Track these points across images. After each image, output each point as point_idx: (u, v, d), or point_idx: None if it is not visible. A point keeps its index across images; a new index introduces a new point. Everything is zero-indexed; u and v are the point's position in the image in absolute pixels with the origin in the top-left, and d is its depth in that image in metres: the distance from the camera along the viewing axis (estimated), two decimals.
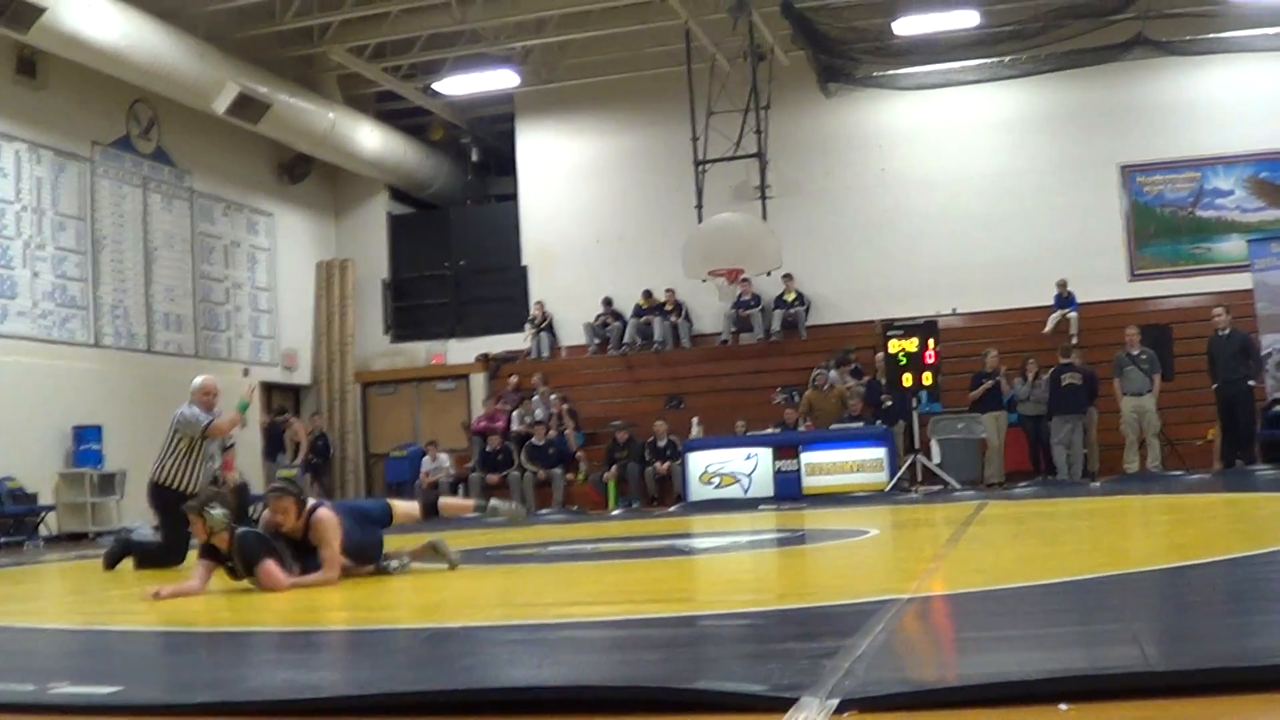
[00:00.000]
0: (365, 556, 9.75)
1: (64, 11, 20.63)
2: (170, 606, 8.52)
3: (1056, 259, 26.49)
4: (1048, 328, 26.08)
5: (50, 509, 21.80)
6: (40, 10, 20.17)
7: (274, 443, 27.15)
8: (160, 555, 12.88)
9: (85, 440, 22.54)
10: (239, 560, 9.07)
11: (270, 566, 8.97)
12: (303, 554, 9.34)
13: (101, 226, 24.04)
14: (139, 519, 23.05)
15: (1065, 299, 26.37)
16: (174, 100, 24.57)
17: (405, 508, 10.75)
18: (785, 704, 3.88)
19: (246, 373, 27.75)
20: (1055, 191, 27.30)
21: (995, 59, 26.57)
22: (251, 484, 26.38)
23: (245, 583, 9.13)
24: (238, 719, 4.42)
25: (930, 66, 27.44)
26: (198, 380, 13.81)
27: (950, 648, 5.45)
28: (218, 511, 9.13)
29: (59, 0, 20.46)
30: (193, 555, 9.80)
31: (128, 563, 12.91)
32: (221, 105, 24.28)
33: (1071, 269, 26.39)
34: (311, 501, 9.62)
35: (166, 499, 12.66)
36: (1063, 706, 3.76)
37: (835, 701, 3.86)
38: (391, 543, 10.20)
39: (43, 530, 21.43)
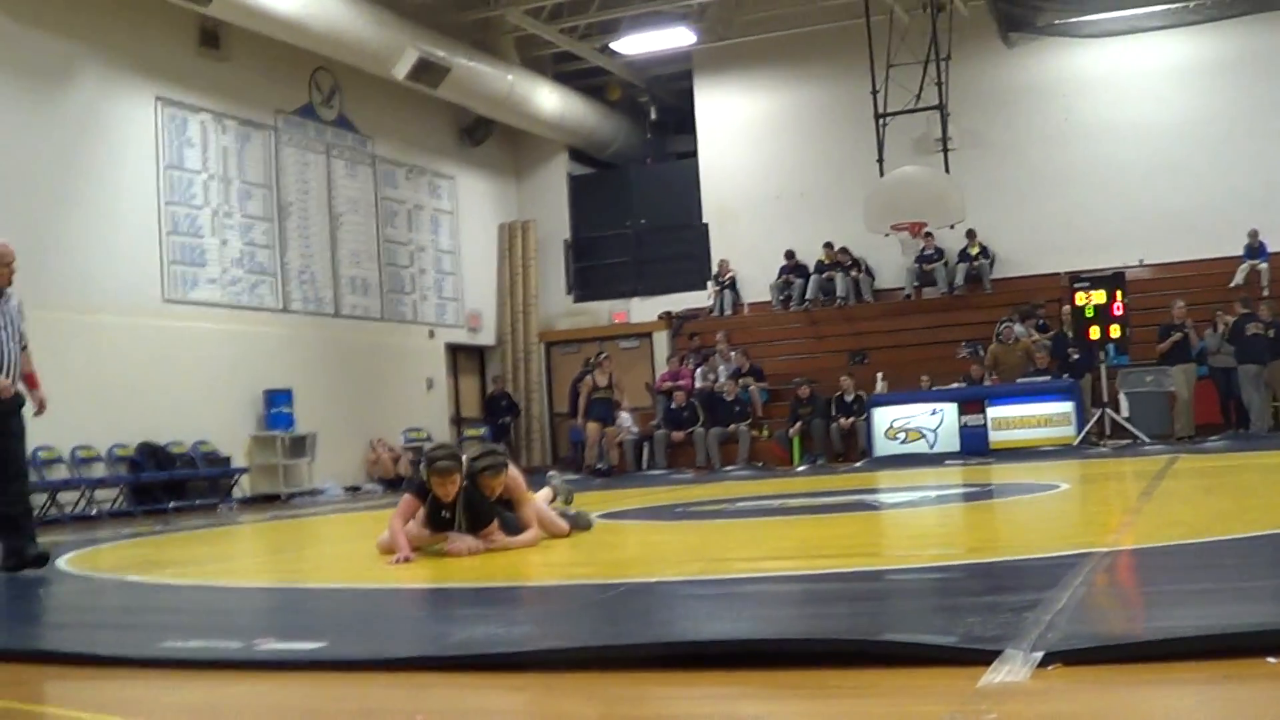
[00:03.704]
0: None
1: None
2: (366, 564, 8.65)
3: (1246, 208, 25.76)
4: (1237, 279, 25.40)
5: (243, 471, 22.24)
6: None
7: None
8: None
9: (276, 404, 22.96)
10: (466, 514, 8.67)
11: (495, 528, 8.74)
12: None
13: (287, 193, 24.44)
14: (330, 480, 23.55)
15: (1256, 249, 25.64)
16: (355, 67, 24.85)
17: None
18: (988, 656, 3.88)
19: (432, 335, 28.10)
20: (1244, 139, 26.53)
21: (1180, 3, 26.07)
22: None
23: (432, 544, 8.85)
24: (441, 674, 4.51)
25: (1114, 13, 26.98)
26: None
27: (1151, 601, 5.39)
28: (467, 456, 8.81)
29: None
30: None
31: (327, 524, 12.72)
32: (401, 71, 24.53)
33: (1262, 219, 25.65)
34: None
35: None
36: (1271, 660, 3.71)
37: (1039, 655, 3.85)
38: None
39: (236, 492, 21.88)
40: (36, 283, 18.70)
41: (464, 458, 8.83)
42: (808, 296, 28.51)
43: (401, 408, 26.48)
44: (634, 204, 31.68)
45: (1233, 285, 25.05)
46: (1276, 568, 6.08)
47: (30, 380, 9.70)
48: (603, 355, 26.50)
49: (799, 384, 25.25)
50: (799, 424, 24.74)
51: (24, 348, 9.63)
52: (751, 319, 29.40)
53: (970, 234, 27.28)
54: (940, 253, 27.73)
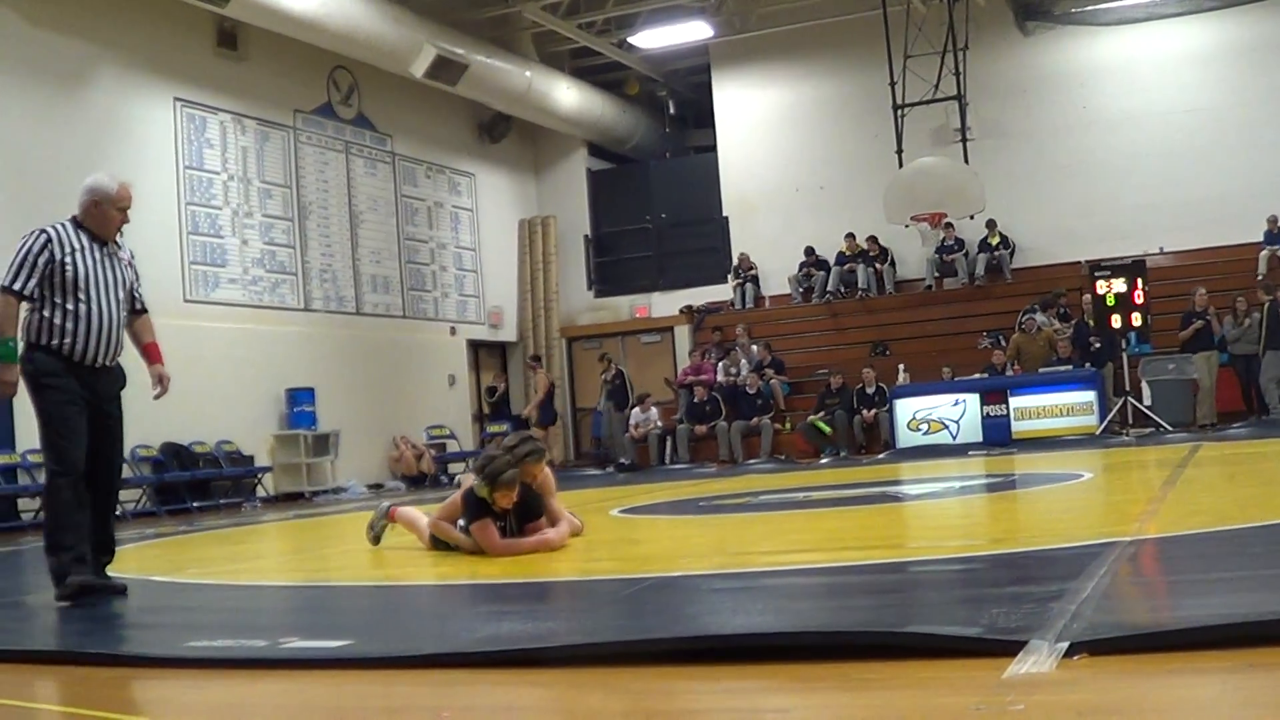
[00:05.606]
0: None
1: None
2: (390, 561, 8.65)
3: (1266, 194, 25.65)
4: (1261, 268, 25.25)
5: (266, 470, 22.30)
6: None
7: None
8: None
9: (298, 403, 23.00)
10: (516, 511, 8.38)
11: (543, 521, 8.53)
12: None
13: (307, 193, 24.46)
14: (353, 478, 23.58)
15: (1276, 235, 25.58)
16: (373, 66, 24.86)
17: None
18: (1014, 648, 3.87)
19: (454, 332, 28.11)
20: (1263, 125, 26.38)
21: None
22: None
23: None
24: (466, 670, 4.51)
25: (1131, 0, 26.92)
26: (120, 184, 7.52)
27: (1176, 590, 5.37)
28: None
29: None
30: None
31: (351, 522, 12.66)
32: (420, 69, 24.52)
33: None
34: None
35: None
36: None
37: (1064, 645, 3.84)
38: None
39: (260, 491, 21.92)
40: None
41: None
42: (829, 289, 28.46)
43: (424, 405, 26.49)
44: (654, 198, 31.66)
45: (1258, 272, 24.88)
46: None
47: (151, 352, 7.80)
48: (529, 356, 27.20)
49: (829, 374, 25.20)
50: (822, 413, 24.67)
51: (142, 311, 7.82)
52: (772, 312, 29.36)
53: (990, 224, 27.20)
54: (960, 243, 27.65)
